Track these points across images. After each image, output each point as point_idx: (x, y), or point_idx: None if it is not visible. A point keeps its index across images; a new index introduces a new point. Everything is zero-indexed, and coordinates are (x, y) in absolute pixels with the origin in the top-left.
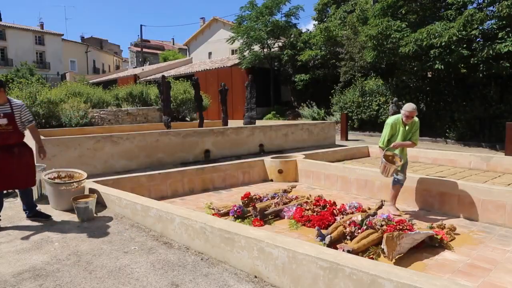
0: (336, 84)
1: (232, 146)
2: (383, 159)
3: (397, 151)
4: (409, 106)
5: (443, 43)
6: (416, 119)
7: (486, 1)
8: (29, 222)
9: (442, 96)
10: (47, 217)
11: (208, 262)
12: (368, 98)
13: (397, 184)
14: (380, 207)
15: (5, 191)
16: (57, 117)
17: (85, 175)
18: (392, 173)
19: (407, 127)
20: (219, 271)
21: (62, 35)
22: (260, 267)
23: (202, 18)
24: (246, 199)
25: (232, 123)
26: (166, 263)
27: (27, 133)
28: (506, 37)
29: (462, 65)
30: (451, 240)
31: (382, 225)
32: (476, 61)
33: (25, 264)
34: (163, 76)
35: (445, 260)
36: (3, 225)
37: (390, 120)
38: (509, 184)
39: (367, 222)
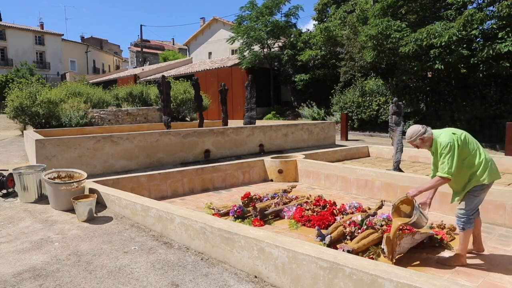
0: (336, 84)
1: (232, 146)
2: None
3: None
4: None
5: (443, 43)
6: (438, 140)
7: (486, 1)
8: (29, 222)
9: (442, 96)
10: None
11: (208, 262)
12: (368, 98)
13: (459, 226)
14: (380, 207)
15: (5, 191)
16: (57, 117)
17: (85, 175)
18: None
19: (434, 156)
20: (219, 271)
21: (62, 35)
22: (260, 267)
23: (202, 18)
24: (246, 199)
25: (232, 123)
26: (166, 263)
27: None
28: (506, 37)
29: (462, 65)
30: (451, 240)
31: (382, 225)
32: (476, 61)
33: (25, 264)
34: (163, 76)
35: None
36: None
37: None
38: (509, 184)
39: (367, 222)
